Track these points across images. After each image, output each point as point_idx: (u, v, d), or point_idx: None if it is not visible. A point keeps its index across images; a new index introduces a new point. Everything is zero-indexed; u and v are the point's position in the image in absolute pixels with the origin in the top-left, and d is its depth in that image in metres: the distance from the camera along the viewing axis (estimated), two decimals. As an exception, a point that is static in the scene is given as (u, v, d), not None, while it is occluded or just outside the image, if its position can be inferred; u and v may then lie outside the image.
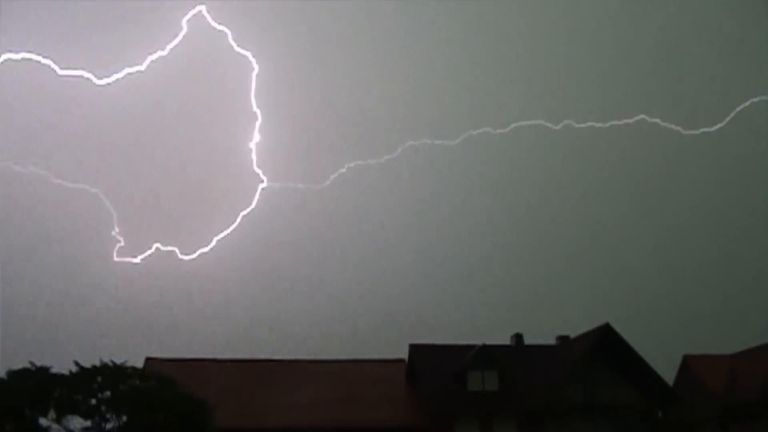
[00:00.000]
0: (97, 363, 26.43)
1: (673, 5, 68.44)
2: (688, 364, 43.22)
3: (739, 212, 61.50)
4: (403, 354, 42.34)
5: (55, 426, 25.64)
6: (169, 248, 45.08)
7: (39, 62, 44.32)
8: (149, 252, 44.35)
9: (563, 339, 43.67)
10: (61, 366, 26.35)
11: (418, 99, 74.18)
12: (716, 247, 62.24)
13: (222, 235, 45.96)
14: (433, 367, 39.96)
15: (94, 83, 45.87)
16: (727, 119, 49.43)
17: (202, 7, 47.02)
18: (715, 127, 50.62)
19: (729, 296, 54.98)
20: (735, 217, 61.77)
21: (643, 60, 70.90)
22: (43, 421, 25.55)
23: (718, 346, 44.09)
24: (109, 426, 25.93)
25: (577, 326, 43.03)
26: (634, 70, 71.41)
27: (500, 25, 75.22)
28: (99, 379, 26.06)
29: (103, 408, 25.84)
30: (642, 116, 53.88)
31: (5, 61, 43.47)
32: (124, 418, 25.93)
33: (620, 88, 69.93)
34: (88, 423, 25.71)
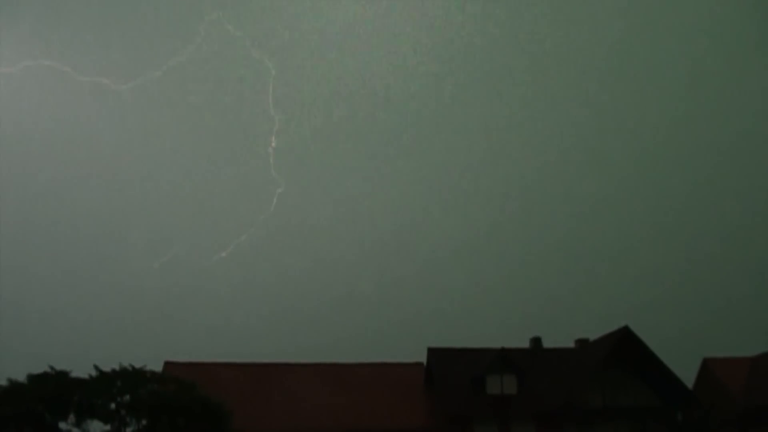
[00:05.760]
0: (117, 367, 26.66)
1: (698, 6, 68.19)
2: (708, 366, 42.84)
3: (762, 215, 61.07)
4: (422, 357, 42.29)
5: (75, 430, 25.86)
6: (188, 252, 45.32)
7: (58, 69, 44.76)
8: (168, 256, 44.59)
9: (582, 342, 43.34)
10: (81, 370, 26.60)
11: (434, 99, 74.29)
12: (736, 249, 61.78)
13: (240, 239, 46.13)
14: (452, 371, 39.86)
15: (113, 89, 46.25)
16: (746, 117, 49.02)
17: (220, 13, 47.26)
18: (734, 126, 50.27)
19: (749, 298, 54.47)
20: (758, 220, 61.31)
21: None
22: (62, 425, 25.80)
23: (738, 348, 43.73)
24: (128, 430, 26.10)
25: (596, 329, 42.74)
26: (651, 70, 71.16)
27: (519, 25, 75.10)
28: (118, 383, 26.28)
29: (123, 412, 26.07)
30: (660, 116, 53.53)
31: (24, 68, 43.93)
32: (144, 422, 26.10)
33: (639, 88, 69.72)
34: (108, 427, 25.91)
